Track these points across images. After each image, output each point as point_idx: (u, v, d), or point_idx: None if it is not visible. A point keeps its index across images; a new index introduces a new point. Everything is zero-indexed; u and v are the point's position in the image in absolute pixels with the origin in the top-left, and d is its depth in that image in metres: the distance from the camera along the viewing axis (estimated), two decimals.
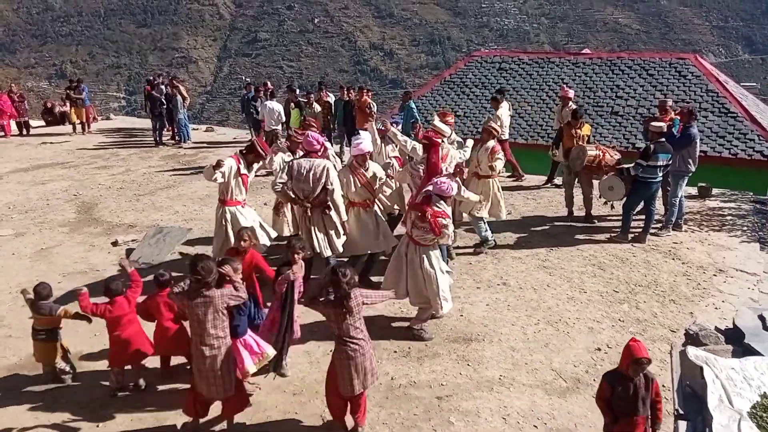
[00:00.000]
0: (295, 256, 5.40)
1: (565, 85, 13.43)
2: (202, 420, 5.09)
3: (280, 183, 6.91)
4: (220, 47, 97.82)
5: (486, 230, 8.54)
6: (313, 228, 6.95)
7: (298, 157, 7.37)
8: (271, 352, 5.38)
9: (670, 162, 8.70)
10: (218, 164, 6.83)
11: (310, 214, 6.94)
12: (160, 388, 5.72)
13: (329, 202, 6.90)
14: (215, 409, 5.12)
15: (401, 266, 6.33)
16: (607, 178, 9.15)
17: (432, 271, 6.18)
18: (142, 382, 5.69)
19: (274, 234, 7.74)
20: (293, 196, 6.97)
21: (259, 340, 5.38)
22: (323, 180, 6.83)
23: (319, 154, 7.11)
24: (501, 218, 8.72)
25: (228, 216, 7.19)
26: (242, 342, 5.25)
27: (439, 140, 7.14)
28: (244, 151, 7.25)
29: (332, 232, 7.06)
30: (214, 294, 4.70)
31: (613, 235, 9.07)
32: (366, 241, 7.28)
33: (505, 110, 11.66)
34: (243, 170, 7.16)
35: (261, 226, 7.48)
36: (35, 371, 5.95)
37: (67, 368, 5.77)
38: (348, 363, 4.76)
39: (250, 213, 7.44)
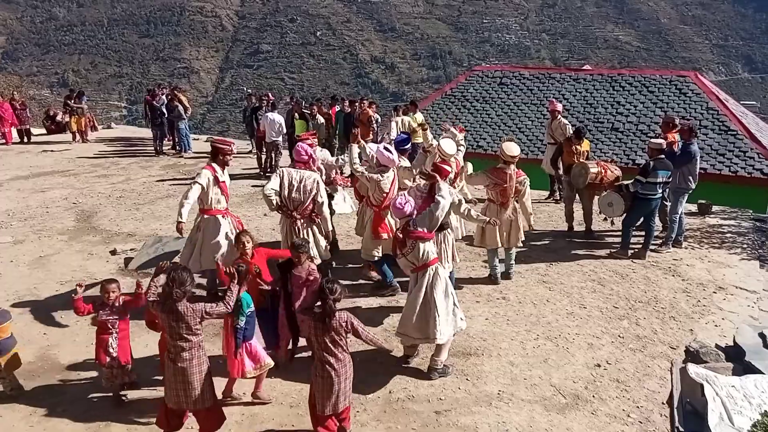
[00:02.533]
0: (301, 257, 5.68)
1: (554, 99, 13.47)
2: None
3: (272, 190, 6.94)
4: (222, 58, 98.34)
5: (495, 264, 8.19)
6: (298, 236, 7.01)
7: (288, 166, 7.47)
8: (269, 362, 5.44)
9: (670, 179, 8.71)
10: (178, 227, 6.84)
11: (297, 224, 7.04)
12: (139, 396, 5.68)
13: (317, 213, 7.05)
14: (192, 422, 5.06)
15: (416, 305, 5.85)
16: (606, 194, 9.16)
17: (439, 295, 5.83)
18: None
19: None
20: (280, 204, 7.01)
21: (261, 351, 5.43)
22: (314, 192, 6.94)
23: (308, 165, 7.18)
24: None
25: (202, 224, 7.16)
26: (247, 347, 5.29)
27: (447, 170, 6.82)
28: (212, 157, 7.23)
29: (317, 242, 7.15)
30: (185, 309, 4.56)
31: (613, 250, 9.06)
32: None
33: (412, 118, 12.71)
34: (221, 177, 7.11)
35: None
36: (32, 381, 5.91)
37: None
38: (321, 383, 4.69)
39: (227, 225, 7.26)
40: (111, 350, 5.42)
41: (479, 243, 8.06)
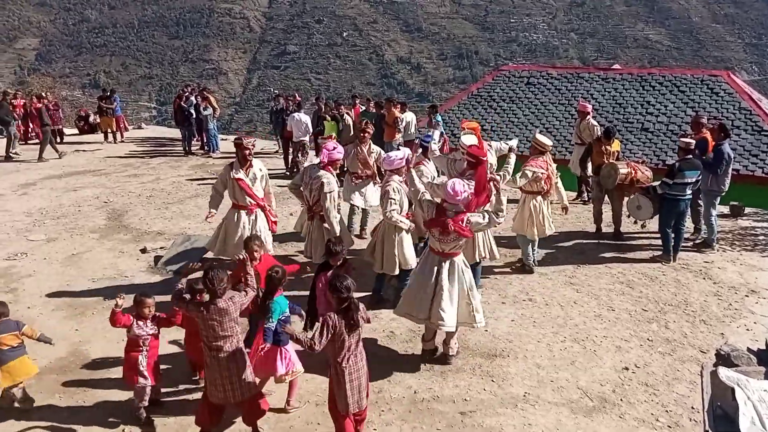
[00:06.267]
0: (336, 256, 5.69)
1: (582, 99, 13.31)
2: (215, 430, 5.10)
3: (295, 184, 7.52)
4: (250, 59, 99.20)
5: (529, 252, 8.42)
6: (310, 233, 7.46)
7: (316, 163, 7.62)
8: (300, 369, 5.43)
9: (700, 178, 8.56)
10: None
11: (312, 219, 7.42)
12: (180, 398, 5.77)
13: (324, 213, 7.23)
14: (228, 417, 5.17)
15: (427, 287, 5.87)
16: (634, 197, 9.03)
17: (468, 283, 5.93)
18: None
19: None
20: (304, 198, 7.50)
21: (295, 358, 5.39)
22: (318, 192, 7.17)
23: (327, 167, 7.30)
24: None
25: (233, 217, 7.59)
26: (281, 352, 5.26)
27: (485, 157, 6.69)
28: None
29: (322, 242, 7.06)
30: (228, 304, 4.67)
31: (656, 254, 8.84)
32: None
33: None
34: (237, 174, 7.40)
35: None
36: (64, 375, 6.04)
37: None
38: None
39: (249, 222, 7.54)
40: (141, 368, 5.22)
41: (529, 234, 8.15)
